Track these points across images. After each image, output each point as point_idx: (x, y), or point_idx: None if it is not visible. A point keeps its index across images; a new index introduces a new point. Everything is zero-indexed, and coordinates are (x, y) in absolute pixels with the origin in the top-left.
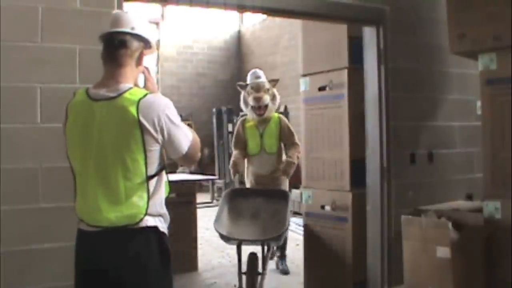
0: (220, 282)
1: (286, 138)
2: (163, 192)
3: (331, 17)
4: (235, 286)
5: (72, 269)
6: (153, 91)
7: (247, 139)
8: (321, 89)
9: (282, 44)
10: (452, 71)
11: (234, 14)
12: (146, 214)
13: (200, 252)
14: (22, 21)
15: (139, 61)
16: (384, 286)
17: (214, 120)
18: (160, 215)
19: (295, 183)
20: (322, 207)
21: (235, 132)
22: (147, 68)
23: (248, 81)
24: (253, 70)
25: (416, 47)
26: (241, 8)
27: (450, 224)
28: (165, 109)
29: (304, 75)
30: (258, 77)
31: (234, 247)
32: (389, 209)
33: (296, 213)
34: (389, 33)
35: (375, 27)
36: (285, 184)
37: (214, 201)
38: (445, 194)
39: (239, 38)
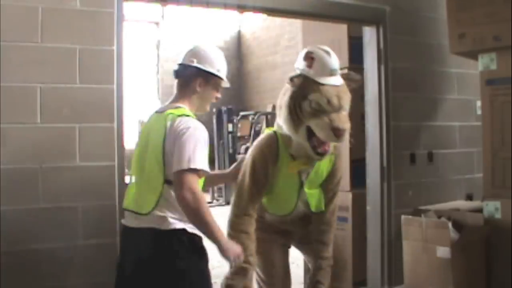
0: (220, 282)
1: (330, 185)
2: None
3: (331, 17)
4: None
5: (71, 269)
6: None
7: (276, 186)
8: None
9: (282, 44)
10: (452, 71)
11: (234, 14)
12: (151, 213)
13: None
14: (22, 21)
15: (193, 89)
16: (384, 286)
17: (214, 120)
18: (177, 219)
19: None
20: None
21: (249, 170)
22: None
23: (314, 74)
24: (323, 50)
25: (416, 47)
26: (241, 8)
27: (450, 224)
28: (189, 130)
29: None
30: (334, 71)
31: None
32: (389, 209)
33: None
34: (389, 33)
35: (375, 27)
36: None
37: (214, 201)
38: (445, 194)
39: (239, 38)
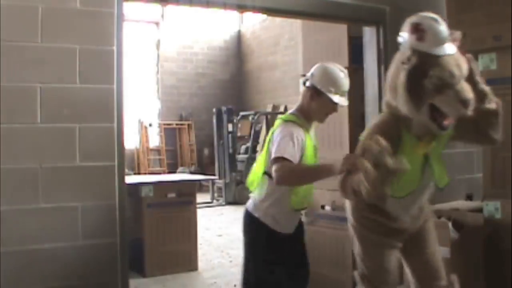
0: (220, 282)
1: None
2: (276, 195)
3: (331, 17)
4: (235, 286)
5: (71, 269)
6: None
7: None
8: None
9: (282, 44)
10: None
11: (234, 14)
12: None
13: (200, 252)
14: (22, 21)
15: (307, 100)
16: None
17: (214, 120)
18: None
19: None
20: (322, 207)
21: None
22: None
23: (428, 47)
24: (430, 19)
25: None
26: (241, 8)
27: (450, 224)
28: (280, 131)
29: (304, 75)
30: (447, 39)
31: (234, 246)
32: None
33: None
34: (389, 33)
35: (375, 27)
36: None
37: (214, 201)
38: (445, 194)
39: (239, 38)
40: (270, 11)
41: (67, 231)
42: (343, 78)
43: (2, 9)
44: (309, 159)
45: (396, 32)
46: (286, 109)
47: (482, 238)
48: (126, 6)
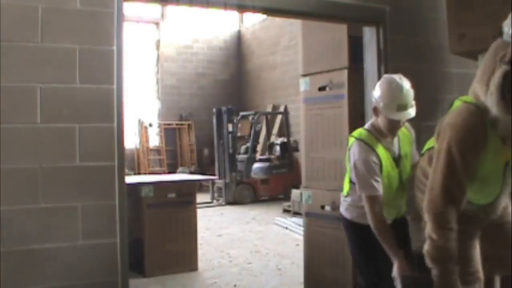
0: (220, 282)
1: None
2: (360, 202)
3: (331, 17)
4: (235, 286)
5: (71, 269)
6: None
7: (481, 172)
8: (321, 89)
9: (282, 44)
10: (452, 71)
11: (234, 14)
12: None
13: (200, 252)
14: (22, 21)
15: (375, 116)
16: None
17: (214, 120)
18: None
19: (295, 183)
20: (322, 207)
21: (452, 160)
22: None
23: None
24: None
25: (416, 47)
26: (241, 8)
27: None
28: (354, 160)
29: (304, 75)
30: None
31: (234, 246)
32: None
33: (296, 213)
34: (389, 33)
35: (375, 27)
36: None
37: (214, 201)
38: None
39: (239, 38)
40: (270, 11)
41: (67, 231)
42: (398, 92)
43: (2, 9)
44: (385, 171)
45: (396, 32)
46: (286, 109)
47: None
48: (126, 6)
